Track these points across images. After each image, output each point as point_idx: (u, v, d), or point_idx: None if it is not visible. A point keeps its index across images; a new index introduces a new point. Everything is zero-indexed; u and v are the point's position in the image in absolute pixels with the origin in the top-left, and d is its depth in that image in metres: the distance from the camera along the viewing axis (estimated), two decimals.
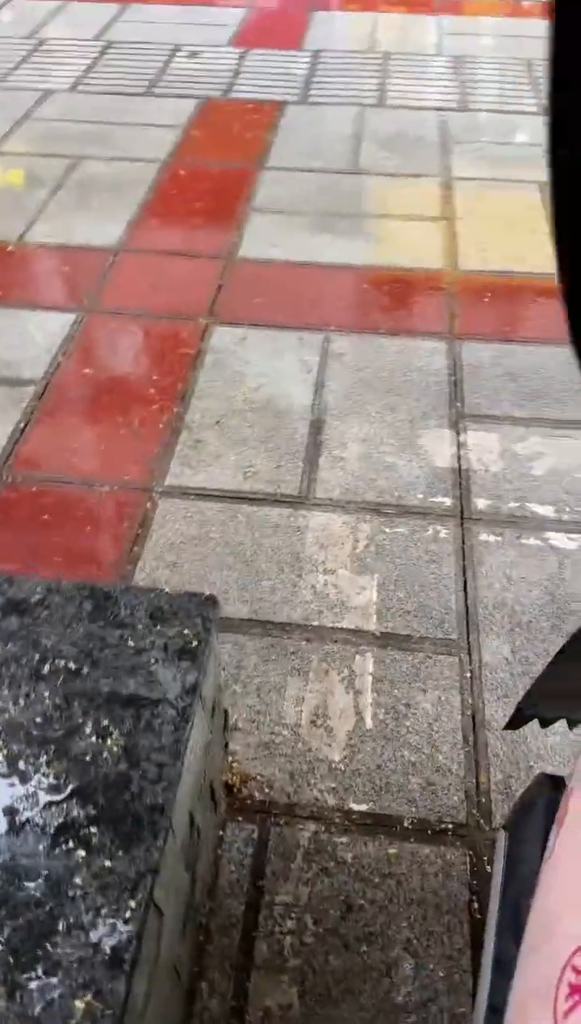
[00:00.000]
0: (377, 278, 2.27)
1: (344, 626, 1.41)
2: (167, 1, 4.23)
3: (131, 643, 0.90)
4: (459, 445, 1.76)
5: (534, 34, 3.82)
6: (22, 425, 1.78)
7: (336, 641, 1.39)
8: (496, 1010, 0.63)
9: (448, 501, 1.63)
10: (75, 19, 3.96)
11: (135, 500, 1.63)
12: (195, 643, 0.91)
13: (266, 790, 1.19)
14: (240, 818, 1.16)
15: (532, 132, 2.97)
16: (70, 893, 0.68)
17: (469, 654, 1.38)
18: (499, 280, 2.23)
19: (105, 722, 0.82)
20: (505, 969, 0.61)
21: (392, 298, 2.21)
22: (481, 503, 1.62)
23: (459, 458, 1.72)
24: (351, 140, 2.92)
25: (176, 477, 1.69)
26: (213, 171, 2.73)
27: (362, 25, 3.92)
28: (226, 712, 1.12)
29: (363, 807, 1.18)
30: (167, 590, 0.97)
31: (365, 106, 3.15)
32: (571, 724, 0.86)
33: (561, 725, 0.86)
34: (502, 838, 0.78)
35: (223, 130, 2.97)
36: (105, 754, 0.79)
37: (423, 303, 2.18)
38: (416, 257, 2.33)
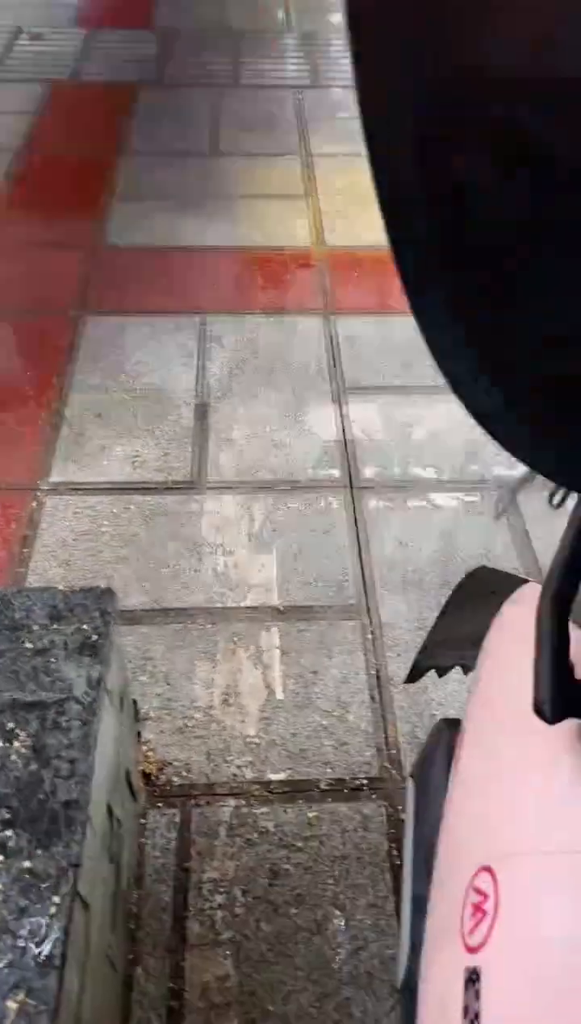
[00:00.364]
0: (247, 259, 2.28)
1: (248, 604, 1.43)
2: None
3: (29, 644, 0.88)
4: (343, 417, 1.80)
5: None
6: None
7: (241, 620, 1.41)
8: (416, 947, 0.67)
9: (337, 473, 1.67)
10: None
11: (20, 501, 1.59)
12: (95, 637, 0.90)
13: (184, 774, 1.21)
14: (161, 804, 1.16)
15: None
16: None
17: (369, 616, 1.43)
18: (367, 254, 2.29)
19: (11, 725, 0.80)
20: (421, 908, 0.65)
21: (264, 278, 2.22)
22: (368, 471, 1.68)
23: (344, 430, 1.77)
24: (209, 122, 2.90)
25: (61, 473, 1.65)
26: (71, 158, 2.64)
27: (211, 2, 3.88)
28: (135, 703, 1.12)
29: (281, 776, 1.21)
30: (61, 588, 0.96)
31: (221, 86, 3.13)
32: (465, 670, 0.91)
33: (457, 672, 0.92)
34: (410, 786, 0.82)
35: (76, 115, 2.88)
36: (14, 757, 0.78)
37: (295, 281, 2.21)
38: (284, 235, 2.35)
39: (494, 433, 0.44)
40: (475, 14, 0.31)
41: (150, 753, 1.21)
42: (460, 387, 0.44)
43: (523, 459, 0.46)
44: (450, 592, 1.00)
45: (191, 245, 2.30)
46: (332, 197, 2.52)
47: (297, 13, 3.83)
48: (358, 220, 2.41)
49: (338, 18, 3.89)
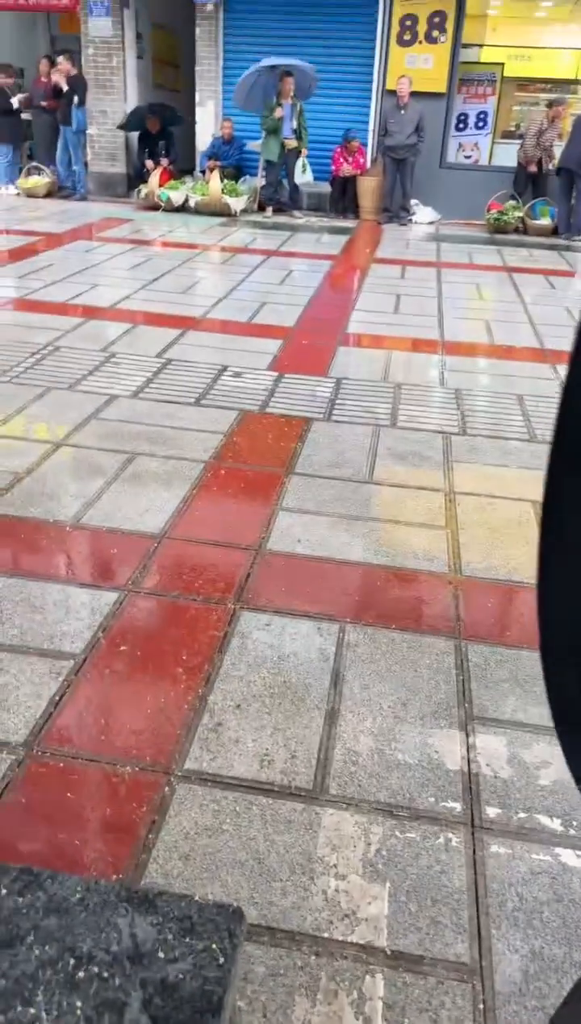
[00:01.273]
0: (390, 577, 2.51)
1: (355, 940, 1.39)
2: (218, 330, 5.12)
3: (161, 954, 0.93)
4: (468, 747, 1.84)
5: (524, 373, 4.56)
6: (57, 699, 1.89)
7: (346, 957, 1.36)
8: None
9: (459, 807, 1.67)
10: (140, 339, 4.78)
11: (154, 783, 1.68)
12: (222, 959, 0.94)
13: None
14: None
15: (525, 456, 3.45)
16: None
17: (482, 980, 1.34)
18: (501, 587, 2.47)
19: None
20: None
21: (403, 596, 2.43)
22: (491, 811, 1.67)
23: (468, 761, 1.80)
24: (367, 454, 3.38)
25: (195, 761, 1.75)
26: (249, 473, 3.14)
27: (378, 359, 4.71)
28: None
29: None
30: (197, 898, 1.02)
31: (380, 426, 3.69)
32: None
33: None
34: None
35: (259, 439, 3.46)
36: None
37: (431, 603, 2.40)
38: (424, 560, 2.60)
39: None
40: None
41: None
42: None
43: None
44: (574, 972, 0.96)
45: (341, 558, 2.58)
46: (470, 530, 2.79)
47: (450, 372, 4.56)
48: (493, 554, 2.64)
49: (485, 377, 4.58)
